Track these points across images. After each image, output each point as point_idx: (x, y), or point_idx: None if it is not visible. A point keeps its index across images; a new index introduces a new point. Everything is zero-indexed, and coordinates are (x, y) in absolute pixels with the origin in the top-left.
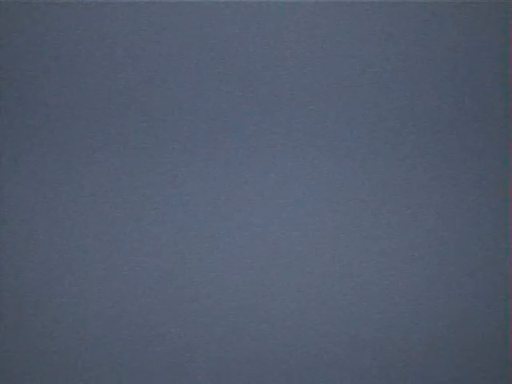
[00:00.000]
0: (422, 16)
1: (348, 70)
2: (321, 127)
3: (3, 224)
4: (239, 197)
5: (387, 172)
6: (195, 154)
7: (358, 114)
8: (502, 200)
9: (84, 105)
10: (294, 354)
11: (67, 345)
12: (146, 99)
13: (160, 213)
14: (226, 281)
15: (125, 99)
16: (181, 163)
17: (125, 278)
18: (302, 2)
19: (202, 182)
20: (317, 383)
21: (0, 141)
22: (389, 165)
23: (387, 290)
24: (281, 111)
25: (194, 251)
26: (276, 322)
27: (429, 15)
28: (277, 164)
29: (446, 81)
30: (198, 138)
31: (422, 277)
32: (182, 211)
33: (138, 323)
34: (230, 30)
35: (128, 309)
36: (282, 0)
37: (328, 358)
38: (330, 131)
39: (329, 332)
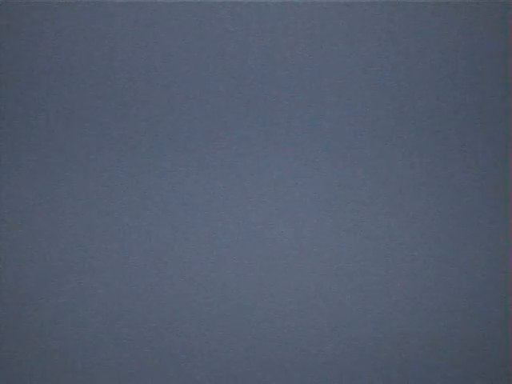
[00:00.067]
0: (422, 16)
1: (348, 70)
2: (320, 127)
3: (3, 224)
4: (239, 196)
5: (387, 172)
6: (194, 153)
7: (358, 114)
8: (502, 200)
9: (84, 105)
10: (294, 354)
11: (67, 345)
12: (145, 99)
13: (159, 214)
14: (226, 281)
15: (124, 99)
16: (180, 163)
17: (125, 277)
18: (302, 2)
19: (201, 182)
20: (317, 383)
21: (0, 141)
22: (388, 164)
23: (387, 290)
24: (280, 111)
25: (193, 251)
26: (275, 322)
27: (429, 15)
28: (276, 163)
29: (446, 81)
30: (198, 137)
31: (422, 277)
32: (182, 211)
33: (138, 323)
34: (229, 30)
35: (128, 309)
36: (282, 0)
37: (328, 357)
38: (329, 131)
39: (329, 332)
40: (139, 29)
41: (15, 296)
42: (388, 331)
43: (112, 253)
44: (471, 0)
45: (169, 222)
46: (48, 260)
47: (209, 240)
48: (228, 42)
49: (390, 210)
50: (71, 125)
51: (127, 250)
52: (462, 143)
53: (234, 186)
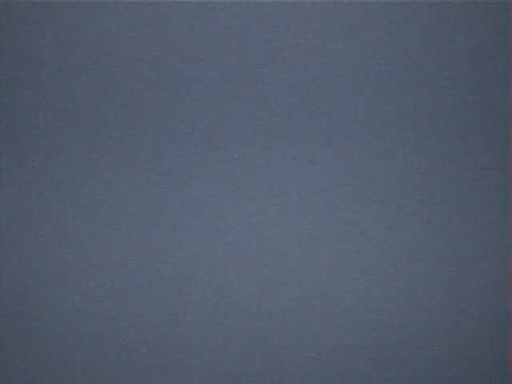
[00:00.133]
0: (422, 16)
1: (348, 70)
2: (320, 127)
3: (3, 224)
4: (239, 196)
5: (387, 172)
6: (194, 153)
7: (358, 113)
8: (502, 200)
9: (84, 105)
10: (294, 354)
11: (67, 344)
12: (145, 99)
13: (159, 213)
14: (226, 280)
15: (125, 99)
16: (180, 163)
17: (125, 277)
18: (302, 2)
19: (201, 182)
20: (316, 383)
21: (0, 141)
22: (389, 164)
23: (387, 290)
24: (280, 111)
25: (193, 251)
26: (275, 321)
27: (429, 15)
28: (276, 163)
29: (446, 81)
30: (198, 137)
31: (422, 277)
32: (182, 211)
33: (138, 323)
34: (229, 29)
35: (128, 309)
36: (282, 0)
37: (328, 357)
38: (329, 130)
39: (329, 331)
40: (139, 29)
41: (15, 296)
42: (388, 331)
43: (112, 253)
44: (471, 0)
45: (169, 221)
46: (48, 260)
47: (209, 240)
48: (228, 41)
49: (390, 210)
50: (71, 125)
51: (127, 250)
52: (462, 143)
53: (233, 186)
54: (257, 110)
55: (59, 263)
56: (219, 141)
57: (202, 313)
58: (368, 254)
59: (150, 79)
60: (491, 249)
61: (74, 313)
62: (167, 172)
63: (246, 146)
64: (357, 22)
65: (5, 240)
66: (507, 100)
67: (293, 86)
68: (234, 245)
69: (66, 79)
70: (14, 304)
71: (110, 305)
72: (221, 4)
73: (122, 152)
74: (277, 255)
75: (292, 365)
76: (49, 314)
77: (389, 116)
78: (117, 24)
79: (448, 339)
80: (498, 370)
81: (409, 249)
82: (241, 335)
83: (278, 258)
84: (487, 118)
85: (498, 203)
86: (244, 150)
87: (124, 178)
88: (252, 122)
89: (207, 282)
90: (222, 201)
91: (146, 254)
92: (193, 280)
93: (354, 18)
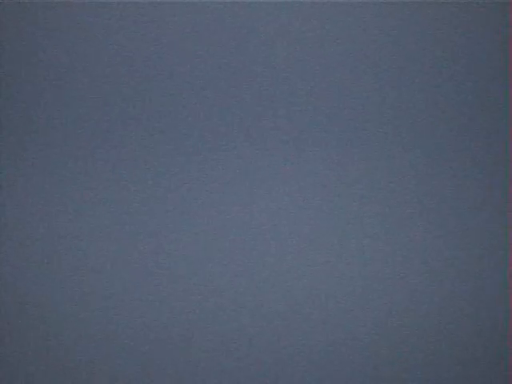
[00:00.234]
0: (422, 16)
1: (348, 70)
2: (321, 126)
3: (3, 224)
4: (238, 196)
5: (387, 172)
6: (195, 153)
7: (358, 113)
8: (502, 200)
9: (84, 105)
10: (294, 353)
11: (67, 344)
12: (145, 99)
13: (159, 213)
14: (226, 280)
15: (125, 99)
16: (180, 163)
17: (125, 278)
18: (302, 2)
19: (201, 182)
20: (316, 383)
21: (0, 141)
22: (388, 164)
23: (387, 290)
24: (280, 111)
25: (193, 251)
26: (275, 321)
27: (429, 15)
28: (276, 163)
29: (446, 81)
30: (198, 137)
31: (422, 276)
32: (182, 211)
33: (138, 323)
34: (229, 29)
35: (128, 309)
36: (282, 0)
37: (328, 356)
38: (330, 130)
39: (329, 331)
40: (139, 29)
41: (15, 296)
42: (387, 330)
43: (112, 253)
44: (471, 0)
45: (169, 221)
46: (48, 260)
47: (209, 239)
48: (228, 41)
49: (390, 210)
50: (71, 124)
51: (127, 250)
52: (462, 143)
53: (233, 186)
54: (257, 109)
55: (59, 263)
56: (219, 140)
57: (203, 313)
58: (368, 254)
59: (150, 79)
60: (491, 249)
61: (73, 313)
62: (167, 171)
63: (245, 145)
64: (357, 22)
65: (5, 240)
66: (507, 100)
67: (293, 85)
68: (233, 244)
69: (66, 79)
70: (14, 304)
71: (110, 305)
72: (221, 4)
73: (121, 152)
74: (277, 254)
75: (291, 364)
76: (49, 314)
77: (389, 116)
78: (117, 24)
79: (447, 339)
80: (497, 370)
81: (408, 248)
82: (240, 335)
83: (278, 258)
84: (487, 118)
85: (497, 203)
86: (244, 149)
87: (124, 177)
88: (252, 122)
89: (207, 282)
90: (222, 200)
91: (145, 253)
92: (193, 280)
93: (354, 18)
